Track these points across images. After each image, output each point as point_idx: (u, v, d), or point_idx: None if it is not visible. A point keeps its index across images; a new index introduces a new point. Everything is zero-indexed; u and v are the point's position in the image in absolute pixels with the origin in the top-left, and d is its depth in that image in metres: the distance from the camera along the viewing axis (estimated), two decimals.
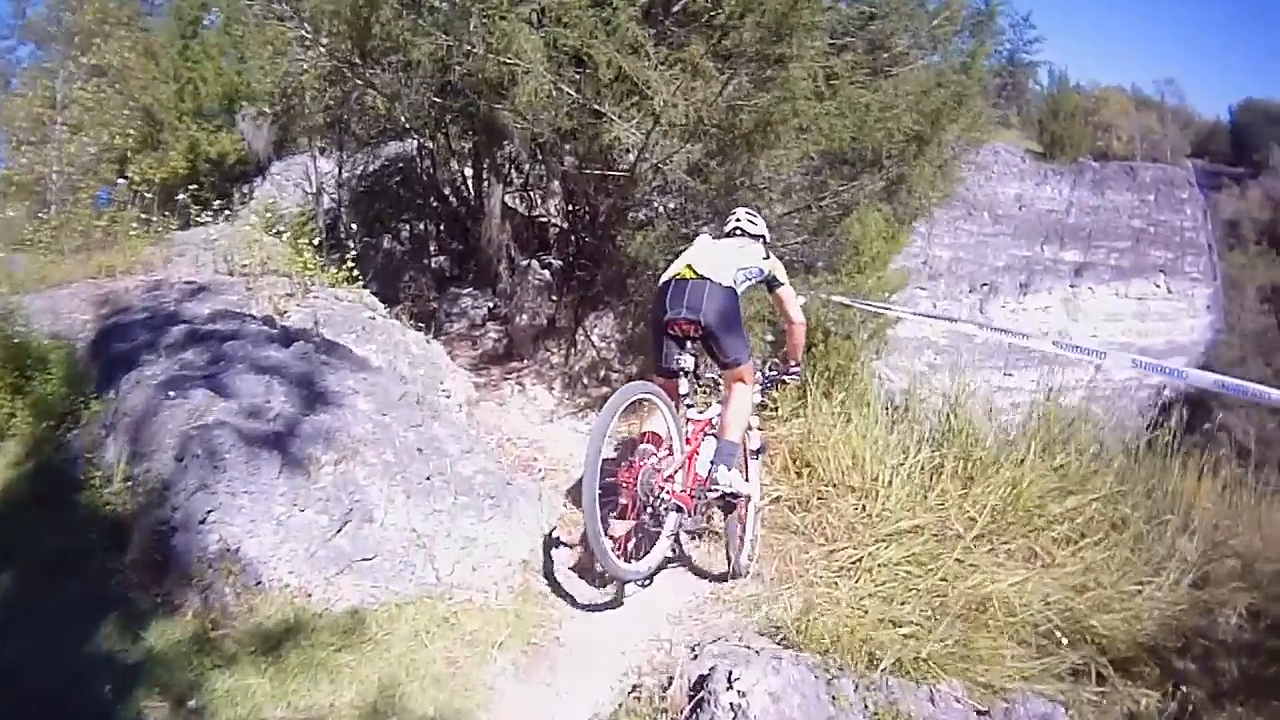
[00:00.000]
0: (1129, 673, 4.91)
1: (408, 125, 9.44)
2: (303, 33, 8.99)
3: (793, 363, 6.57)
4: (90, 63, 16.51)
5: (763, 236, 6.34)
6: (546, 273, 9.76)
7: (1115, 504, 6.18)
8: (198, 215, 9.39)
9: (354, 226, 10.70)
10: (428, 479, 5.42)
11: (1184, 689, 4.68)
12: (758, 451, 6.30)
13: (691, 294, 5.55)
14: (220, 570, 4.38)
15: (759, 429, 6.48)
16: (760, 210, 6.91)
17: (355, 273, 8.27)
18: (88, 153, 15.16)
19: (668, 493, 5.31)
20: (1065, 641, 4.96)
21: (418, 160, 10.58)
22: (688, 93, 7.13)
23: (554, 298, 9.53)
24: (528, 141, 8.25)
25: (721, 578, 5.96)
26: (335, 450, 5.11)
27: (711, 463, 5.57)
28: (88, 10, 17.38)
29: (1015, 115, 68.69)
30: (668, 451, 5.48)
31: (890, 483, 6.45)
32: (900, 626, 4.99)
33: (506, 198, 9.72)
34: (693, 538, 6.33)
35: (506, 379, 8.81)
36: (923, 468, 6.59)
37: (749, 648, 4.79)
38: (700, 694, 4.34)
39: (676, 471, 5.47)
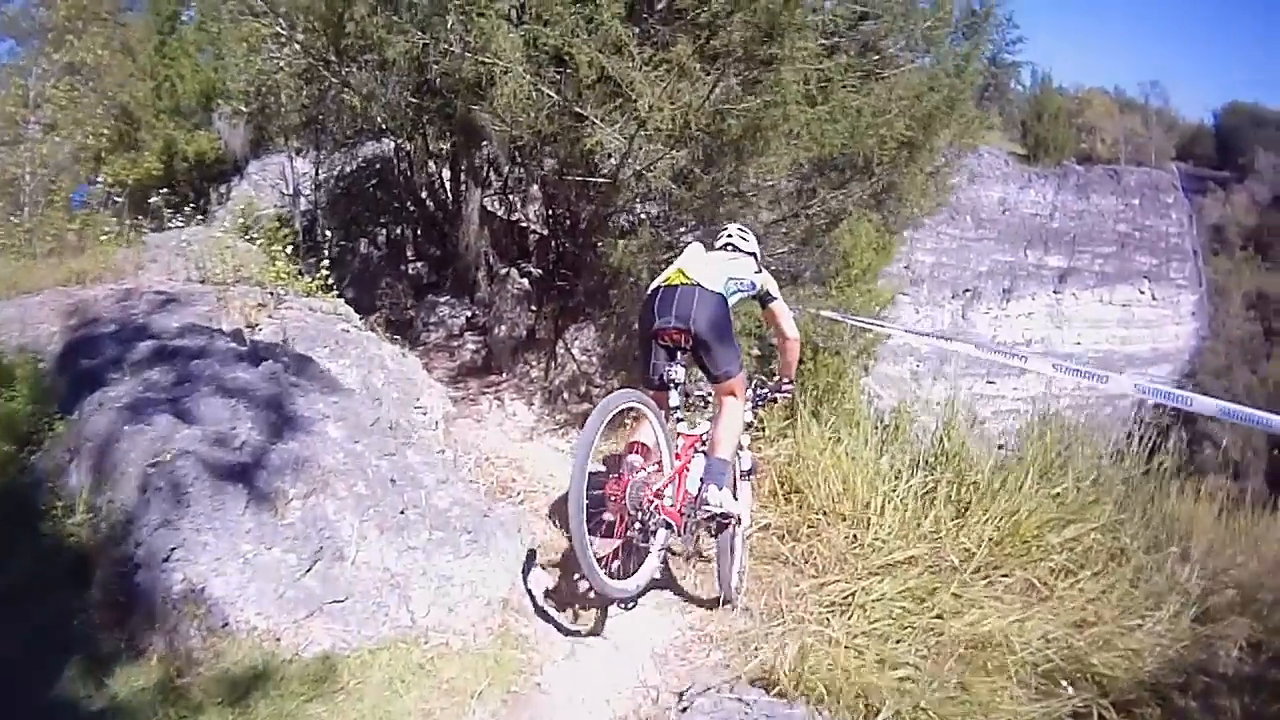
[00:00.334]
0: (1131, 714, 4.76)
1: (384, 126, 9.26)
2: (278, 29, 8.89)
3: (784, 380, 6.34)
4: (64, 60, 16.20)
5: (755, 254, 6.12)
6: (526, 281, 9.61)
7: (1114, 533, 6.04)
8: (171, 218, 9.08)
9: (329, 232, 10.51)
10: (402, 513, 5.15)
11: None
12: (748, 472, 6.09)
13: (681, 301, 5.31)
14: (185, 612, 4.14)
15: (749, 449, 6.25)
16: (746, 217, 6.87)
17: (330, 281, 8.02)
18: (62, 153, 14.85)
19: (657, 508, 5.05)
20: (1066, 683, 4.85)
21: (395, 162, 10.42)
22: (673, 95, 6.93)
23: (533, 308, 9.38)
24: (507, 144, 8.08)
25: (711, 604, 5.77)
26: (304, 483, 4.85)
27: (701, 481, 5.31)
28: (61, 6, 17.06)
29: (998, 117, 68.77)
30: (656, 465, 5.23)
31: (882, 510, 6.27)
32: (896, 669, 4.85)
33: (485, 201, 9.60)
34: (679, 560, 6.14)
35: (485, 393, 8.62)
36: (915, 493, 6.41)
37: (740, 700, 4.63)
38: None
39: (666, 486, 5.20)
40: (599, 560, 4.75)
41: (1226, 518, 6.38)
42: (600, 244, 8.29)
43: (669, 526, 5.12)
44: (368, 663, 4.40)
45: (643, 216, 8.50)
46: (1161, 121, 77.22)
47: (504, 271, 9.46)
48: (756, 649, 5.16)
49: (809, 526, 6.37)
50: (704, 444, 5.54)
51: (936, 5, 8.33)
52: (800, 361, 6.70)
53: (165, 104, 20.77)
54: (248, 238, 8.96)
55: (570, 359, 9.10)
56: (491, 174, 9.65)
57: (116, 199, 10.51)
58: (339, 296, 8.08)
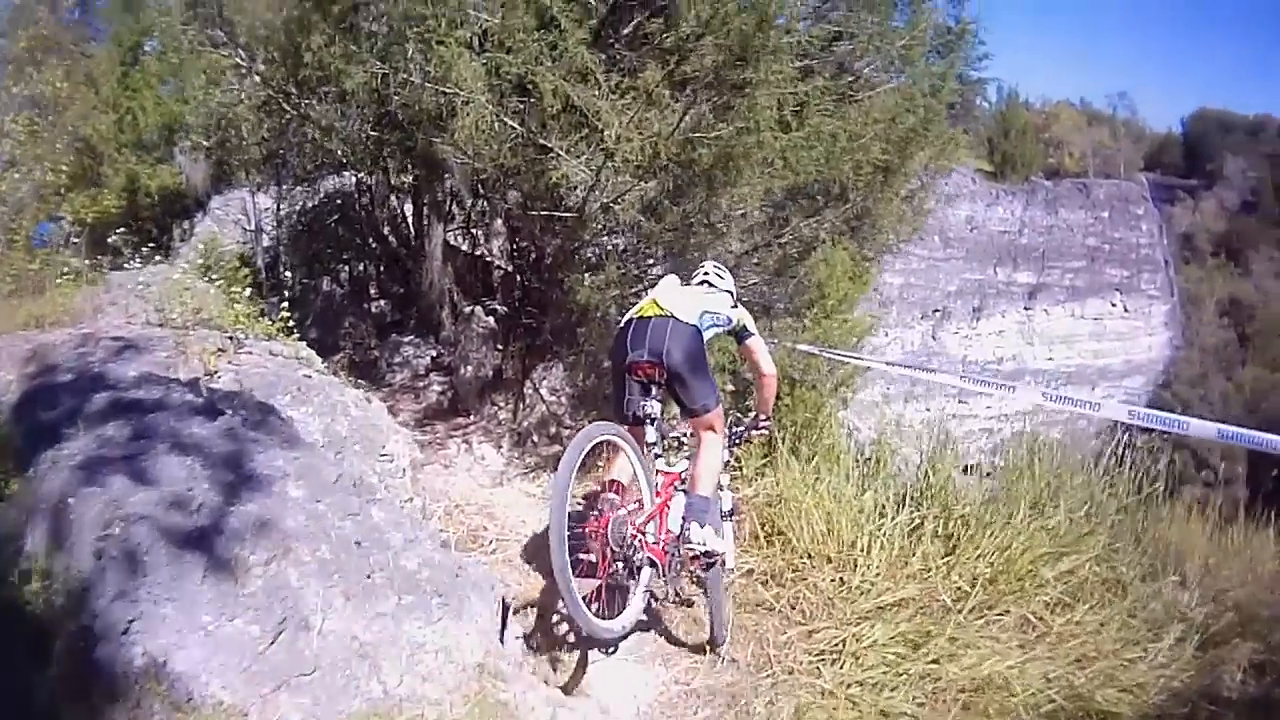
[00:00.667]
0: None
1: (345, 159, 9.08)
2: (237, 60, 8.74)
3: (761, 417, 6.22)
4: (23, 93, 15.95)
5: (731, 291, 6.00)
6: (491, 319, 9.48)
7: (1109, 562, 6.01)
8: (129, 259, 8.86)
9: (288, 274, 10.34)
10: (368, 577, 4.90)
11: None
12: (729, 514, 5.89)
13: (654, 333, 5.17)
14: (148, 687, 3.88)
15: (729, 488, 6.08)
16: (716, 249, 6.88)
17: (291, 324, 7.84)
18: (22, 189, 14.58)
19: (641, 543, 4.92)
20: None
21: (356, 196, 10.26)
22: (642, 124, 6.80)
23: (500, 346, 9.23)
24: (469, 177, 7.98)
25: (696, 652, 5.58)
26: (265, 548, 4.59)
27: (683, 519, 5.17)
28: (21, 37, 16.82)
29: (964, 134, 69.22)
30: (636, 504, 5.09)
31: (869, 549, 6.14)
32: None
33: (448, 236, 9.50)
34: (662, 604, 5.97)
35: (452, 436, 8.44)
36: (902, 530, 6.30)
37: None
38: None
39: (648, 523, 5.06)
40: (584, 600, 4.60)
41: (1219, 536, 6.40)
42: (566, 280, 8.13)
43: (653, 565, 4.99)
44: None
45: (610, 249, 8.34)
46: (1129, 132, 77.94)
47: (469, 309, 9.34)
48: (747, 705, 5.01)
49: (793, 570, 6.21)
50: (684, 482, 5.41)
51: (911, 24, 8.21)
52: (777, 397, 6.53)
53: (128, 137, 20.54)
54: (208, 278, 8.76)
55: (539, 399, 8.95)
56: (454, 208, 9.53)
57: (75, 239, 10.24)
58: (300, 339, 7.87)
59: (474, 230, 10.08)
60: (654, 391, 5.23)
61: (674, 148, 6.86)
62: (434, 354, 9.30)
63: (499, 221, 9.65)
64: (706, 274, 6.00)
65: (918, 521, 6.35)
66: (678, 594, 6.02)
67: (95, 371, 5.97)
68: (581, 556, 4.74)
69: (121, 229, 10.61)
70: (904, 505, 6.50)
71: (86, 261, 8.60)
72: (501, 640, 5.12)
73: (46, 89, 15.50)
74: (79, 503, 4.49)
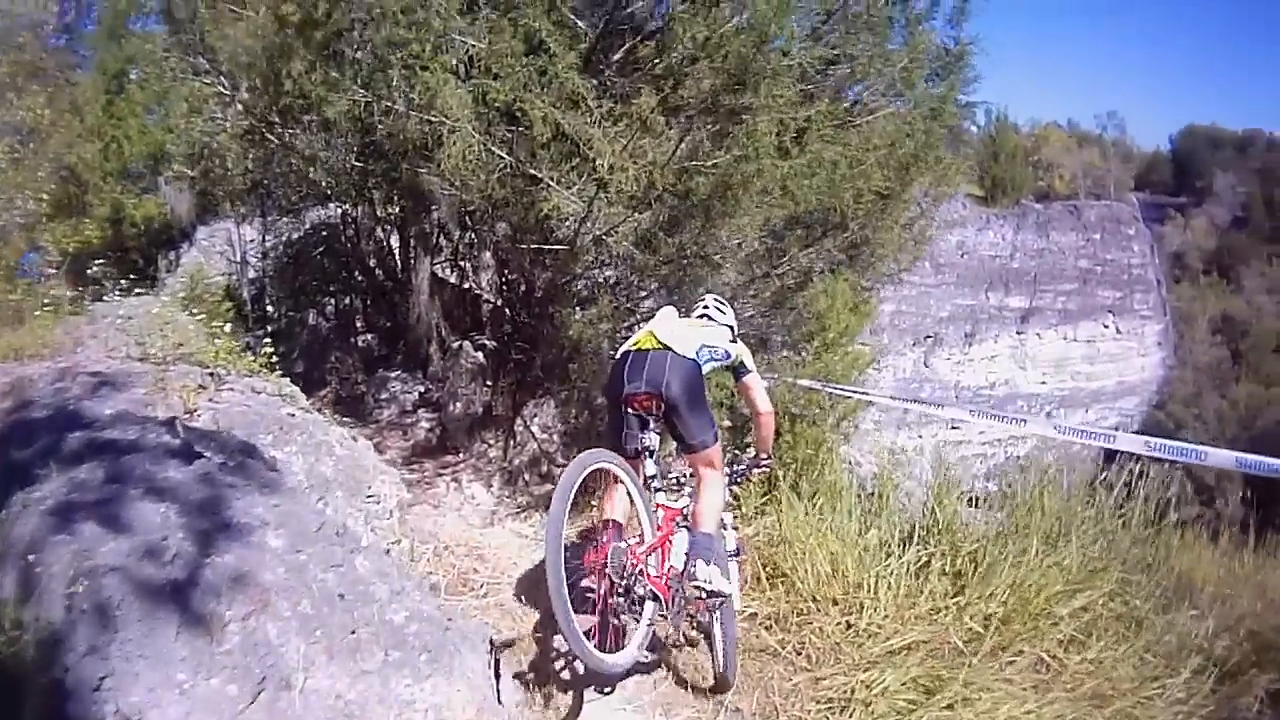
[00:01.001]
0: None
1: (329, 190, 8.95)
2: (220, 88, 8.60)
3: (761, 455, 6.13)
4: (4, 119, 15.81)
5: (731, 326, 5.89)
6: (480, 355, 9.35)
7: (1123, 596, 5.88)
8: (110, 291, 8.67)
9: (270, 308, 10.19)
10: (353, 633, 4.70)
11: None
12: (734, 554, 5.77)
13: (652, 366, 5.08)
14: None
15: (734, 528, 5.97)
16: (712, 281, 6.80)
17: (274, 359, 7.62)
18: (4, 218, 14.43)
19: (642, 573, 4.75)
20: None
21: (342, 228, 10.17)
22: (636, 153, 6.67)
23: (489, 382, 9.11)
24: (456, 209, 7.85)
25: (698, 700, 5.39)
26: (242, 602, 4.40)
27: (687, 556, 4.98)
28: (2, 63, 16.69)
29: (954, 159, 69.37)
30: (637, 539, 4.93)
31: (875, 590, 5.96)
32: None
33: (436, 268, 9.40)
34: (662, 650, 5.72)
35: (441, 475, 8.29)
36: (910, 569, 6.11)
37: None
38: None
39: (650, 554, 4.91)
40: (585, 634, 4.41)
41: (1229, 562, 6.50)
42: (558, 314, 8.00)
43: (657, 599, 4.80)
44: None
45: (602, 282, 8.22)
46: (1119, 152, 78.14)
47: (457, 344, 9.22)
48: None
49: (797, 613, 6.02)
50: (686, 518, 5.27)
51: (909, 45, 8.12)
52: (777, 434, 6.38)
53: (113, 165, 20.40)
54: (189, 311, 8.58)
55: (530, 437, 8.83)
56: (442, 240, 9.41)
57: (53, 269, 10.08)
58: (284, 375, 7.69)
59: (462, 263, 9.97)
60: (652, 424, 5.15)
61: (670, 177, 6.75)
62: (422, 389, 9.19)
63: (488, 254, 9.53)
64: (706, 307, 5.91)
65: (924, 559, 6.18)
66: (682, 635, 5.81)
67: (71, 409, 5.82)
68: (580, 586, 4.65)
69: (103, 259, 10.49)
70: (910, 542, 6.32)
71: (68, 292, 8.50)
72: (497, 697, 4.93)
73: (29, 115, 15.40)
74: (48, 552, 4.33)
